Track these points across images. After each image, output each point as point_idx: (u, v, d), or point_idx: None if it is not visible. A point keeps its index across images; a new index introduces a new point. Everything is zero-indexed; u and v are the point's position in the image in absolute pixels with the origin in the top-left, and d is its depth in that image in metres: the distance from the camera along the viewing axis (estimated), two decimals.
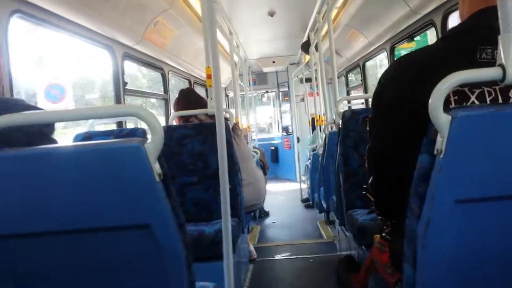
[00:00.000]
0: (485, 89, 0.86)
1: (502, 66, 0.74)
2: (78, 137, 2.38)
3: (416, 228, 0.85)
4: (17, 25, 1.90)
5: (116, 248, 0.90)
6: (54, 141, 1.41)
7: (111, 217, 0.88)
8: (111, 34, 2.80)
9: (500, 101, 0.86)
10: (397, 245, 1.00)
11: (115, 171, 0.85)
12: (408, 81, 0.94)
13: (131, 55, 3.21)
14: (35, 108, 1.01)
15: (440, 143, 0.76)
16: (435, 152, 0.77)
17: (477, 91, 0.86)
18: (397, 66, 1.03)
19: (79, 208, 0.87)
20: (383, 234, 1.16)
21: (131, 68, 3.80)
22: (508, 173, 0.77)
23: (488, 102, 0.86)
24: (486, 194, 0.78)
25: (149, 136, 0.88)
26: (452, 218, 0.79)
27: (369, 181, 1.14)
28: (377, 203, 1.15)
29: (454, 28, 0.98)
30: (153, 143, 0.85)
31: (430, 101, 0.75)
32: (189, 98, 2.69)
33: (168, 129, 2.38)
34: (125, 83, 3.07)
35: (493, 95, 0.86)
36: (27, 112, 0.88)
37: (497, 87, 0.86)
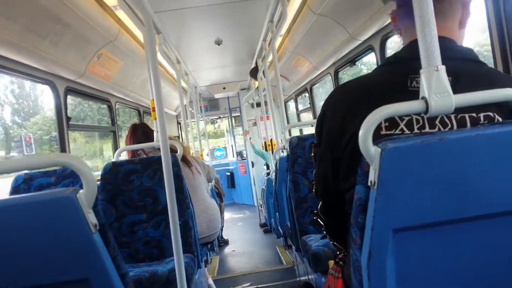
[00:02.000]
0: (414, 117, 0.90)
1: (424, 99, 0.78)
2: (19, 179, 2.26)
3: (360, 258, 0.86)
4: None
5: None
6: None
7: (47, 274, 0.83)
8: (52, 69, 2.70)
9: (427, 129, 0.90)
10: (349, 271, 1.01)
11: (49, 223, 0.81)
12: (345, 109, 0.96)
13: (74, 89, 3.12)
14: None
15: (373, 175, 0.77)
16: (369, 183, 0.79)
17: (406, 118, 0.90)
18: (337, 94, 1.05)
19: (16, 265, 0.82)
20: (337, 260, 1.17)
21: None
22: (439, 200, 0.80)
23: (415, 129, 0.89)
24: (422, 221, 0.81)
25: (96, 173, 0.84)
26: (393, 247, 0.81)
27: (318, 206, 1.15)
28: (327, 228, 1.16)
29: (390, 57, 1.02)
30: (86, 192, 0.81)
31: (360, 134, 0.77)
32: (136, 133, 2.65)
33: (114, 166, 2.30)
34: (68, 118, 2.96)
35: (421, 123, 0.90)
36: None
37: (425, 116, 0.90)
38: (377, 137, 0.81)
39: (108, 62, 3.26)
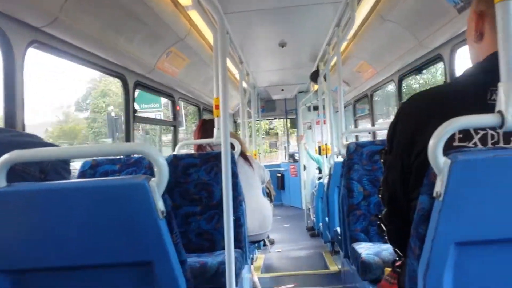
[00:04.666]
0: (489, 132, 0.87)
1: (501, 112, 0.76)
2: (86, 164, 2.42)
3: (417, 268, 0.85)
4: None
5: (116, 286, 0.90)
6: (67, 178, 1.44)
7: (113, 254, 0.89)
8: (125, 64, 2.87)
9: (501, 144, 0.87)
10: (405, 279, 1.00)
11: (120, 207, 0.86)
12: (418, 119, 0.96)
13: (142, 83, 3.28)
14: (50, 145, 1.04)
15: (439, 186, 0.76)
16: (435, 194, 0.78)
17: (481, 132, 0.88)
18: (412, 102, 1.03)
19: (84, 244, 0.88)
20: (394, 267, 1.16)
21: None
22: (507, 217, 0.77)
23: (489, 144, 0.87)
24: (487, 237, 0.78)
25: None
26: (452, 260, 0.79)
27: (383, 211, 1.15)
28: (389, 234, 1.15)
29: (468, 69, 1.00)
30: (158, 181, 0.86)
31: (429, 144, 0.77)
32: (205, 128, 2.75)
33: (174, 159, 2.40)
34: (135, 110, 3.13)
35: (496, 138, 0.87)
36: (39, 148, 0.90)
37: (500, 131, 0.87)
38: (449, 148, 0.80)
39: (176, 60, 3.40)
